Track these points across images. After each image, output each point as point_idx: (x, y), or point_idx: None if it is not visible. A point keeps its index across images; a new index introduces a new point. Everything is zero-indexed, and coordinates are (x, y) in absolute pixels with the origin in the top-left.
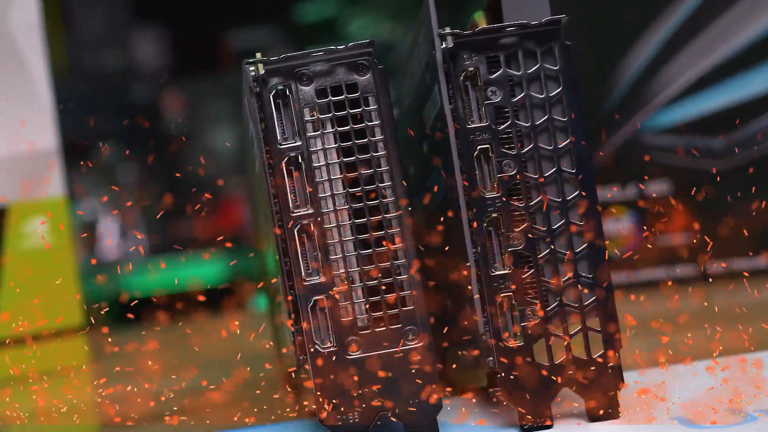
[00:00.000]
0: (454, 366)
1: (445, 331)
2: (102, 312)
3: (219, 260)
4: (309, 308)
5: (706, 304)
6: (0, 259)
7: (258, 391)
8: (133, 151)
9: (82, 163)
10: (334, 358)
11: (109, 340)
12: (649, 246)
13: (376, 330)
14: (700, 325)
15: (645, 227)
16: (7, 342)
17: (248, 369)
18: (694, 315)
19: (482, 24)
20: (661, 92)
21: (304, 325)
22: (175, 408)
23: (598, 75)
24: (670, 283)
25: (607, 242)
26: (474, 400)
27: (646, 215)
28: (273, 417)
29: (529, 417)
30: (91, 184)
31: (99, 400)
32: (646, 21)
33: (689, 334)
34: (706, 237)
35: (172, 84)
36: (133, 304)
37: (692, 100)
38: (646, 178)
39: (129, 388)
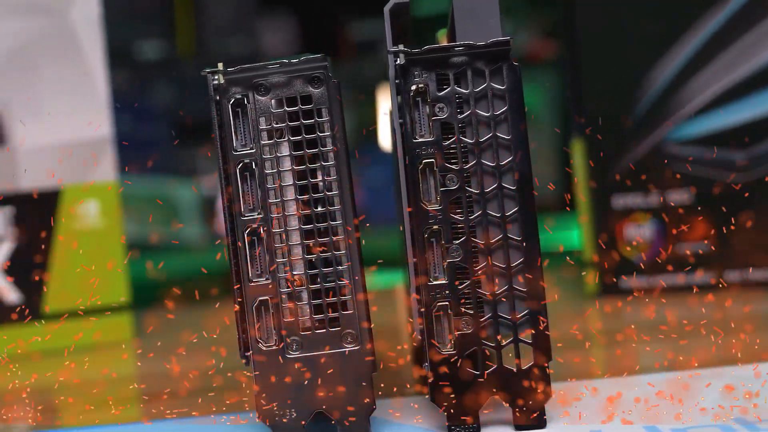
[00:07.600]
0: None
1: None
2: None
3: None
4: (254, 308)
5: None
6: (53, 239)
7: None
8: None
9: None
10: (275, 357)
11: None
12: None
13: (317, 332)
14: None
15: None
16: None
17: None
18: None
19: (444, 42)
20: (686, 104)
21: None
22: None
23: (625, 86)
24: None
25: (628, 249)
26: (416, 403)
27: (668, 223)
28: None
29: (458, 422)
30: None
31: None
32: (672, 36)
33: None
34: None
35: None
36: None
37: (716, 113)
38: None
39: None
